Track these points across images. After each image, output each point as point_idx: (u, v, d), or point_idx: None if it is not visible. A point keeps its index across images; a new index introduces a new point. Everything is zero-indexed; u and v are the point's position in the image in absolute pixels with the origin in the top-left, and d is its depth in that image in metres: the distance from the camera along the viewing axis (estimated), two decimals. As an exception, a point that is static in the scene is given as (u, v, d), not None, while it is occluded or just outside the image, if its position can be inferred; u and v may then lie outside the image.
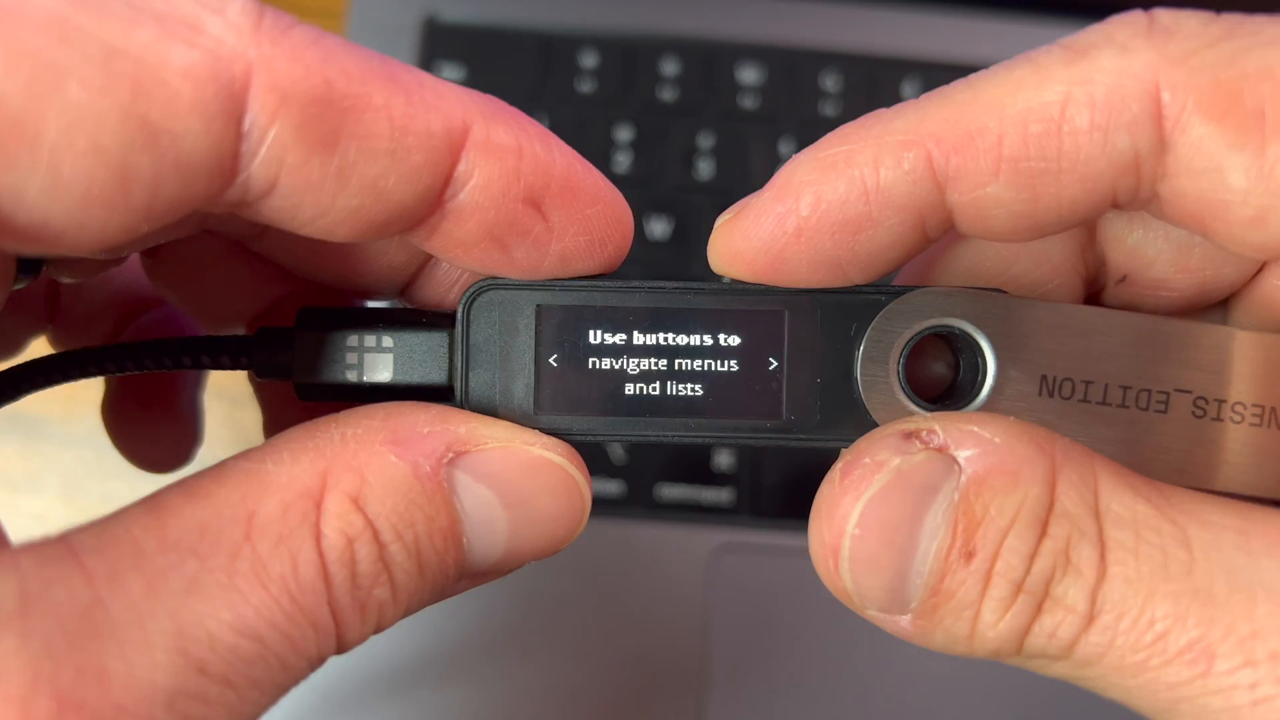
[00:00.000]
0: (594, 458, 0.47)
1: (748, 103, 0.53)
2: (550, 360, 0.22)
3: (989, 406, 0.22)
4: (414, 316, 0.23)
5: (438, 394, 0.22)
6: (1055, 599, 0.19)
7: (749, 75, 0.53)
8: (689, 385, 0.22)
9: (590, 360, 0.22)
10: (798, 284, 0.21)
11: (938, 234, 0.21)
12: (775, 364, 0.22)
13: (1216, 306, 0.25)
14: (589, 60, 0.53)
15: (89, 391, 0.30)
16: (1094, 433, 0.22)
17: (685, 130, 0.52)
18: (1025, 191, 0.20)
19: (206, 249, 0.26)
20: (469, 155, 0.19)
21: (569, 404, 0.22)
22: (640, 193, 0.51)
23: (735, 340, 0.22)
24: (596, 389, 0.22)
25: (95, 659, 0.16)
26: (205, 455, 0.31)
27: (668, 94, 0.53)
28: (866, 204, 0.20)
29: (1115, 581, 0.18)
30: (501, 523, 0.20)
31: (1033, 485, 0.19)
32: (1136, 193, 0.20)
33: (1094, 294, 0.25)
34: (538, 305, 0.22)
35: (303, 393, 0.23)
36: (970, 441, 0.20)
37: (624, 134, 0.52)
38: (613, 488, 0.47)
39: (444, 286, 0.24)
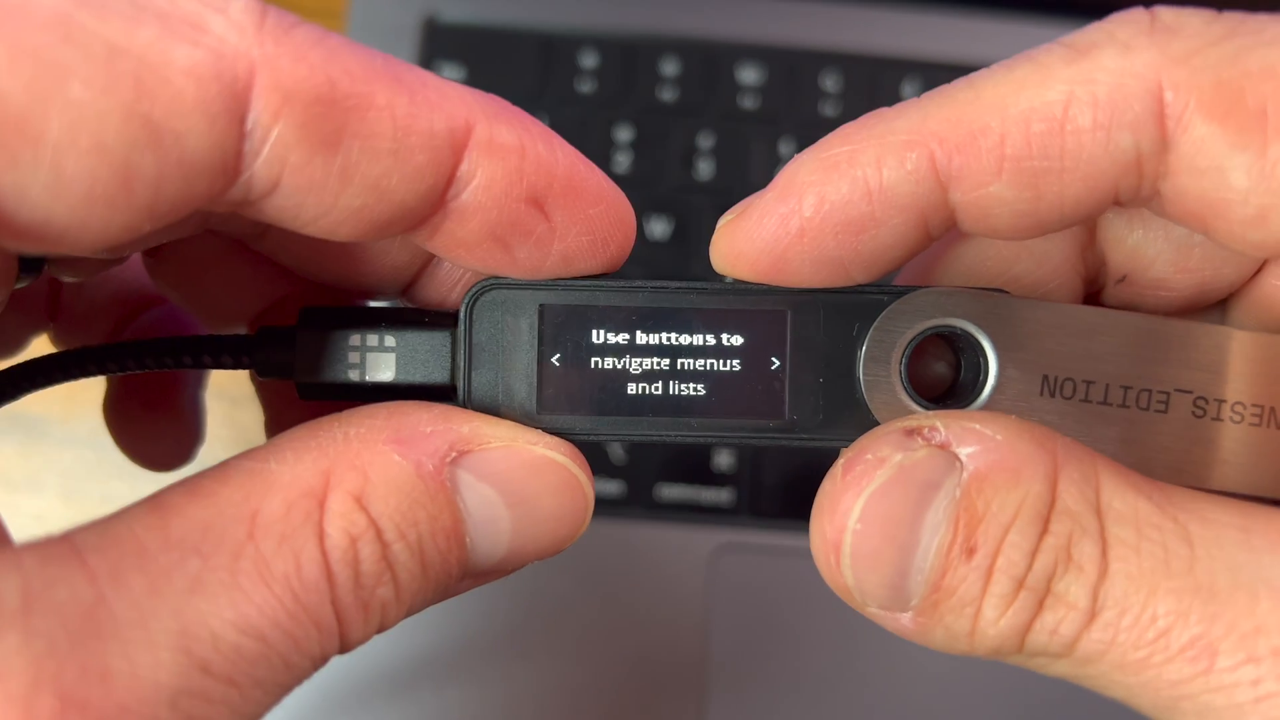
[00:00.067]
0: (594, 458, 0.47)
1: (748, 103, 0.53)
2: (553, 360, 0.22)
3: (990, 406, 0.22)
4: (416, 316, 0.23)
5: (440, 394, 0.22)
6: (1057, 596, 0.19)
7: (749, 75, 0.53)
8: (692, 385, 0.22)
9: (593, 360, 0.22)
10: (800, 284, 0.21)
11: (940, 233, 0.21)
12: (778, 364, 0.22)
13: (1215, 307, 0.25)
14: (589, 60, 0.53)
15: (89, 391, 0.30)
16: (1095, 432, 0.22)
17: (685, 130, 0.52)
18: (1028, 190, 0.20)
19: (208, 248, 0.26)
20: (472, 155, 0.19)
21: (572, 403, 0.22)
22: (640, 193, 0.51)
23: (738, 340, 0.22)
24: (599, 389, 0.22)
25: (98, 658, 0.16)
26: (205, 455, 0.31)
27: (668, 94, 0.53)
28: (869, 204, 0.20)
29: (1117, 578, 0.18)
30: (505, 522, 0.20)
31: (1034, 482, 0.19)
32: (1138, 191, 0.20)
33: (1094, 294, 0.25)
34: (540, 305, 0.22)
35: (305, 392, 0.23)
36: (972, 438, 0.20)
37: (624, 134, 0.52)
38: (613, 488, 0.47)
39: (446, 286, 0.24)
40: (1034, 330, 0.22)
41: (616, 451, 0.48)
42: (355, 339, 0.22)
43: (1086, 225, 0.24)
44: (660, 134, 0.52)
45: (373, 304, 0.26)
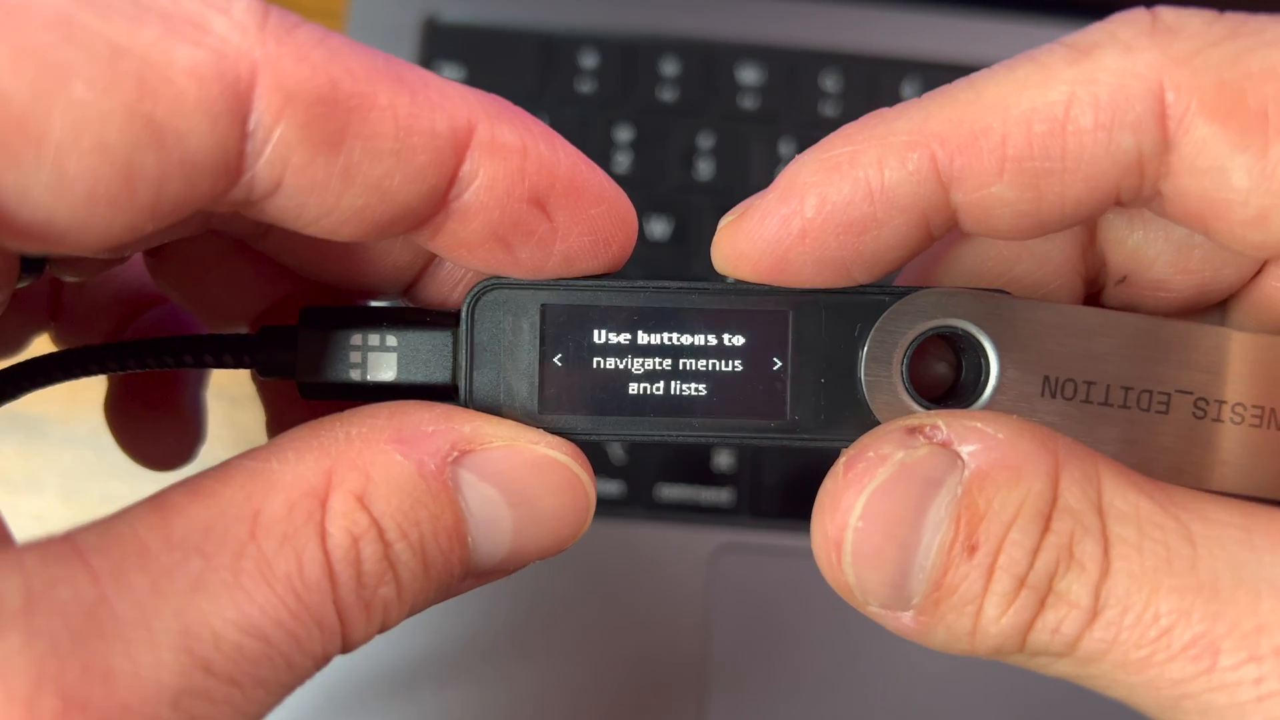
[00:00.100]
0: (594, 458, 0.47)
1: (748, 103, 0.53)
2: (554, 360, 0.22)
3: (992, 407, 0.22)
4: (418, 315, 0.23)
5: (442, 393, 0.22)
6: (1059, 594, 0.19)
7: (749, 76, 0.53)
8: (693, 385, 0.22)
9: (594, 360, 0.22)
10: (802, 284, 0.21)
11: (941, 233, 0.21)
12: (779, 364, 0.22)
13: (1215, 308, 0.25)
14: (589, 60, 0.53)
15: (89, 391, 0.30)
16: (1096, 433, 0.22)
17: (685, 130, 0.52)
18: (1029, 191, 0.20)
19: (209, 248, 0.26)
20: (474, 155, 0.19)
21: (573, 403, 0.22)
22: (640, 193, 0.51)
23: (739, 340, 0.22)
24: (601, 388, 0.22)
25: (100, 658, 0.16)
26: (205, 456, 0.31)
27: (668, 94, 0.53)
28: (871, 205, 0.20)
29: (1119, 577, 0.18)
30: (506, 521, 0.20)
31: (1036, 480, 0.19)
32: (1139, 191, 0.20)
33: (1094, 294, 0.25)
34: (542, 305, 0.22)
35: (306, 392, 0.23)
36: (973, 437, 0.20)
37: (624, 134, 0.52)
38: (613, 488, 0.47)
39: (448, 286, 0.24)
40: (1035, 331, 0.22)
41: (616, 452, 0.48)
42: (357, 338, 0.22)
43: (1087, 226, 0.24)
44: (660, 134, 0.52)
45: (374, 304, 0.26)
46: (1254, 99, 0.18)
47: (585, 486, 0.21)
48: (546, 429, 0.22)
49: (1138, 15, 0.20)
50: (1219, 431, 0.23)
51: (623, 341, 0.22)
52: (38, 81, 0.16)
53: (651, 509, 0.47)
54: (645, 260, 0.51)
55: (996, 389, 0.22)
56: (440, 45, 0.53)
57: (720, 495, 0.47)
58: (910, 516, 0.19)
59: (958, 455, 0.19)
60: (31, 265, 0.22)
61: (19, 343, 0.29)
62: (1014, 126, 0.19)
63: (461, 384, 0.22)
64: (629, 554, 0.46)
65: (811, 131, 0.52)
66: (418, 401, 0.21)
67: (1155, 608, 0.18)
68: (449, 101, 0.19)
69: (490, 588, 0.22)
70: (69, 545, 0.17)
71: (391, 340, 0.22)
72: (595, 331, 0.22)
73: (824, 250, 0.21)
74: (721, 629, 0.45)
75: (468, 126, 0.19)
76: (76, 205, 0.16)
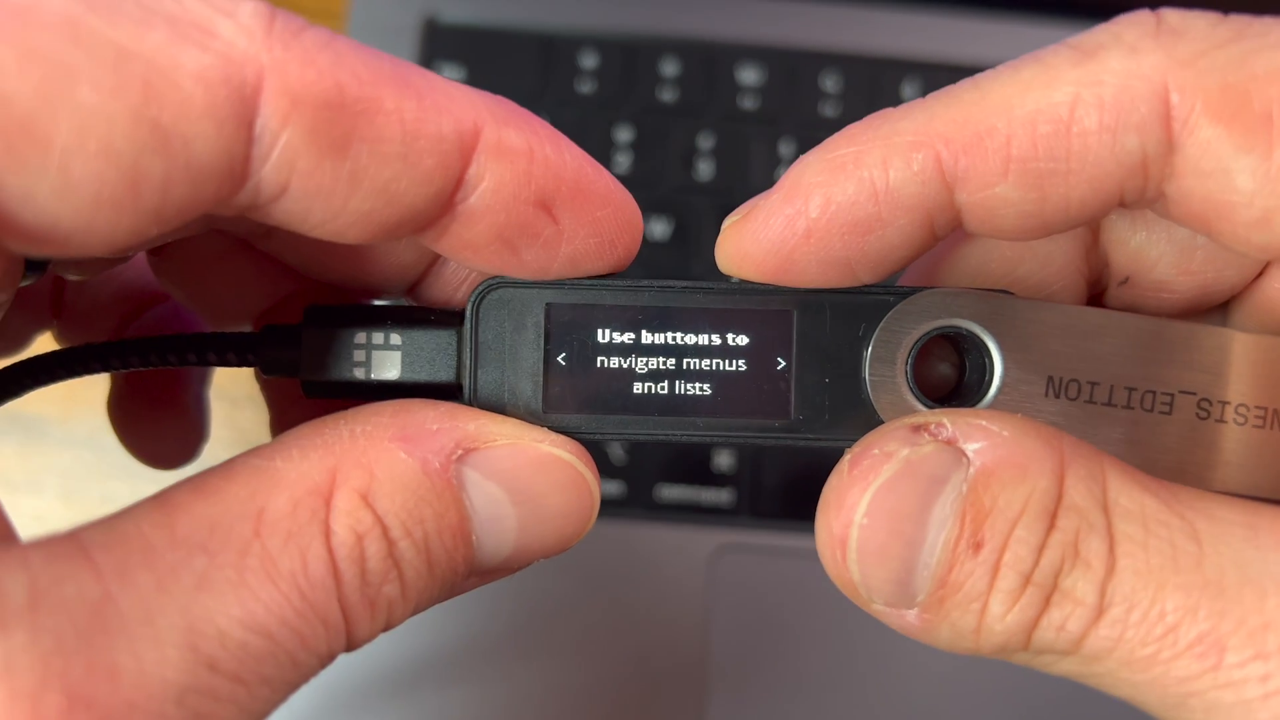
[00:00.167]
0: (594, 458, 0.47)
1: (748, 104, 0.53)
2: (559, 359, 0.22)
3: (996, 407, 0.22)
4: (422, 314, 0.23)
5: (446, 392, 0.22)
6: (1064, 591, 0.19)
7: (749, 76, 0.53)
8: (697, 384, 0.22)
9: (599, 359, 0.22)
10: (806, 284, 0.21)
11: (945, 233, 0.21)
12: (784, 364, 0.22)
13: (1217, 309, 0.25)
14: (589, 61, 0.53)
15: (89, 391, 0.30)
16: (1099, 433, 0.22)
17: (685, 131, 0.52)
18: (1033, 191, 0.20)
19: (212, 247, 0.26)
20: (480, 158, 0.19)
21: (577, 402, 0.22)
22: (640, 193, 0.51)
23: (744, 340, 0.22)
24: (605, 388, 0.22)
25: (105, 655, 0.16)
26: (205, 456, 0.31)
27: (668, 95, 0.53)
28: (876, 205, 0.20)
29: (1125, 574, 0.18)
30: (510, 520, 0.20)
31: (1041, 478, 0.19)
32: (1143, 193, 0.20)
33: (1096, 295, 0.25)
34: (546, 304, 0.22)
35: (310, 390, 0.23)
36: (979, 435, 0.20)
37: (624, 135, 0.52)
38: (613, 488, 0.47)
39: (452, 285, 0.24)
40: (1039, 331, 0.22)
41: (616, 452, 0.48)
42: (361, 337, 0.22)
43: (1090, 227, 0.24)
44: (660, 134, 0.52)
45: (378, 302, 0.26)
46: (1259, 101, 0.19)
47: (589, 485, 0.21)
48: (550, 428, 0.22)
49: (1142, 17, 0.20)
50: (1222, 432, 0.23)
51: (627, 341, 0.22)
52: (44, 84, 0.16)
53: (652, 509, 0.47)
54: (645, 261, 0.51)
55: (1000, 389, 0.22)
56: (440, 45, 0.53)
57: (720, 495, 0.47)
58: (915, 513, 0.19)
59: (963, 453, 0.19)
60: (35, 264, 0.22)
61: (21, 341, 0.29)
62: (1019, 127, 0.19)
63: (466, 383, 0.22)
64: (629, 554, 0.46)
65: (812, 132, 0.52)
66: (422, 400, 0.21)
67: (1161, 605, 0.18)
68: (455, 104, 0.19)
69: (491, 588, 0.22)
70: (74, 543, 0.17)
71: (396, 339, 0.22)
72: (599, 331, 0.22)
73: (828, 250, 0.21)
74: (721, 629, 0.45)
75: (474, 130, 0.19)
76: (81, 209, 0.16)
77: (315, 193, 0.18)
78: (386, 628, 0.19)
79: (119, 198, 0.16)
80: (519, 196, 0.20)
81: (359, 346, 0.22)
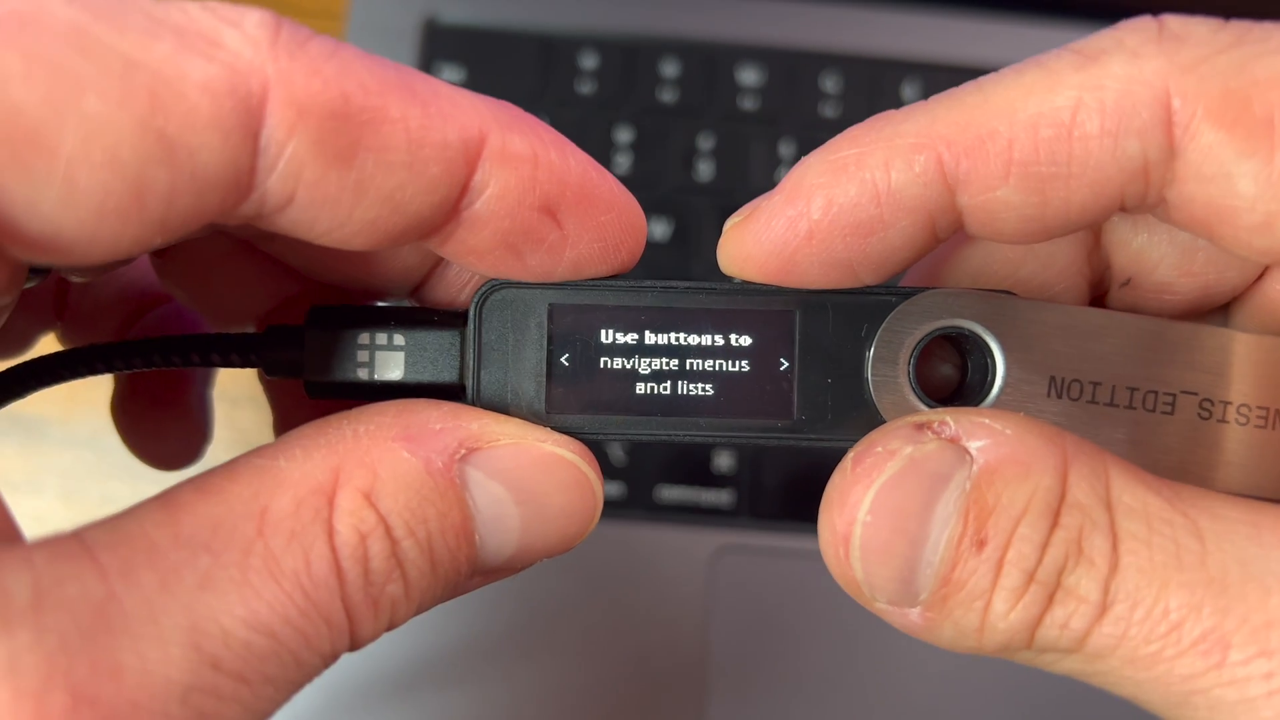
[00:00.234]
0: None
1: (748, 104, 0.53)
2: (562, 359, 0.22)
3: (998, 407, 0.22)
4: (426, 315, 0.23)
5: (449, 393, 0.22)
6: (1068, 589, 0.19)
7: (749, 77, 0.53)
8: (700, 385, 0.22)
9: (602, 360, 0.22)
10: (808, 285, 0.21)
11: (947, 234, 0.21)
12: (786, 364, 0.22)
13: (1218, 310, 0.25)
14: (589, 61, 0.53)
15: (89, 392, 0.30)
16: (1102, 434, 0.22)
17: (685, 132, 0.52)
18: (1035, 195, 0.20)
19: (215, 248, 0.26)
20: (485, 165, 0.19)
21: (580, 403, 0.22)
22: (640, 194, 0.51)
23: (746, 340, 0.22)
24: (608, 388, 0.22)
25: (109, 654, 0.16)
26: (205, 457, 0.31)
27: (668, 95, 0.53)
28: (878, 206, 0.20)
29: (1128, 572, 0.18)
30: (514, 519, 0.20)
31: (1044, 475, 0.19)
32: (1145, 197, 0.20)
33: (1098, 296, 0.25)
34: (549, 305, 0.22)
35: (313, 391, 0.23)
36: (982, 433, 0.20)
37: (624, 135, 0.52)
38: (613, 489, 0.47)
39: (455, 286, 0.24)
40: (1041, 332, 0.22)
41: (617, 452, 0.48)
42: (364, 338, 0.22)
43: (1092, 229, 0.24)
44: (660, 135, 0.52)
45: (382, 304, 0.26)
46: (1260, 106, 0.19)
47: (592, 484, 0.21)
48: (553, 428, 0.22)
49: (1144, 23, 0.20)
50: (1224, 432, 0.23)
51: (630, 341, 0.22)
52: (50, 94, 0.16)
53: (652, 510, 0.47)
54: (646, 261, 0.50)
55: (1002, 389, 0.22)
56: (440, 46, 0.53)
57: (720, 496, 0.48)
58: (919, 511, 0.19)
59: (966, 451, 0.20)
60: (38, 267, 0.22)
61: (25, 342, 0.29)
62: (1021, 131, 0.19)
63: (469, 383, 0.22)
64: (629, 555, 0.46)
65: (812, 133, 0.52)
66: (425, 400, 0.21)
67: (1165, 603, 0.18)
68: (460, 112, 0.19)
69: (492, 588, 0.22)
70: (77, 543, 0.17)
71: (399, 340, 0.22)
72: (602, 331, 0.22)
73: (830, 251, 0.21)
74: (721, 630, 0.45)
75: (479, 136, 0.19)
76: (86, 218, 0.16)
77: (321, 202, 0.18)
78: (390, 627, 0.19)
79: (124, 207, 0.16)
80: (524, 202, 0.20)
81: (362, 347, 0.22)
